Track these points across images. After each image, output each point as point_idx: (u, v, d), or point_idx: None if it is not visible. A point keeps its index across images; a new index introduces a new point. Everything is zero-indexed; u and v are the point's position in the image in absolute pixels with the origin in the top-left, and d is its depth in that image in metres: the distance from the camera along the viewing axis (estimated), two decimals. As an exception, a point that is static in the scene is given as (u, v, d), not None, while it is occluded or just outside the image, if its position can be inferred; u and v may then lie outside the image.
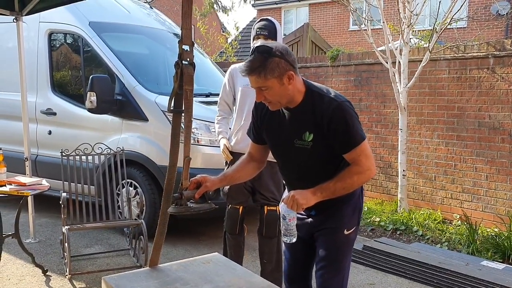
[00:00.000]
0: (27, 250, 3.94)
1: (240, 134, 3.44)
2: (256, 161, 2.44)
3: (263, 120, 2.30)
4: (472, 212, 5.44)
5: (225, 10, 13.11)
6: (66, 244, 3.80)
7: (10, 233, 3.83)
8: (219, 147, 3.56)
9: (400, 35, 5.74)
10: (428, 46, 5.56)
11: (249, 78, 2.06)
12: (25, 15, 4.45)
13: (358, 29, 7.46)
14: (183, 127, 2.18)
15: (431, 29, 5.92)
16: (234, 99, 3.55)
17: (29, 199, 4.56)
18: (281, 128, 2.21)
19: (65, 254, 3.86)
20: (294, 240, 2.13)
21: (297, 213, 2.31)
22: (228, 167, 3.48)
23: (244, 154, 3.45)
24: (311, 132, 2.11)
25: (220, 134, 3.57)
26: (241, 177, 2.46)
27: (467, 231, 4.88)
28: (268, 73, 2.00)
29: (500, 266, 4.18)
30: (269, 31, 3.38)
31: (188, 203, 2.14)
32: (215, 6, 12.37)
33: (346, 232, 2.25)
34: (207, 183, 2.19)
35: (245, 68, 2.04)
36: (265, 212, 3.43)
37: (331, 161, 2.15)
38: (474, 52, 5.44)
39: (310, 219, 2.31)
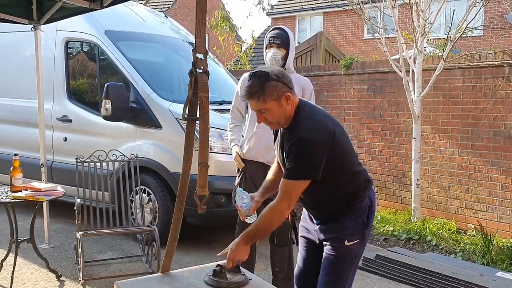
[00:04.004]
0: (42, 255, 3.99)
1: (252, 142, 3.45)
2: None
3: (274, 139, 2.43)
4: (487, 222, 5.36)
5: (232, 28, 13.25)
6: (80, 249, 3.84)
7: (25, 238, 3.87)
8: (232, 154, 3.58)
9: (414, 43, 5.73)
10: (442, 55, 5.53)
11: (249, 102, 2.18)
12: (43, 24, 4.54)
13: (373, 37, 7.45)
14: (197, 134, 2.20)
15: (446, 38, 5.89)
16: (247, 106, 3.57)
17: (44, 205, 4.62)
18: (280, 148, 2.30)
19: (79, 259, 3.90)
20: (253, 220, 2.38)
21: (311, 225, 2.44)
22: (240, 175, 3.50)
23: (256, 161, 3.49)
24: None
25: (233, 142, 3.58)
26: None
27: (482, 241, 4.81)
28: (267, 96, 2.11)
29: (516, 277, 4.12)
30: (282, 40, 3.40)
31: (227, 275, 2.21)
32: (227, 22, 12.55)
33: (347, 243, 2.25)
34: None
35: (244, 93, 2.16)
36: (277, 220, 3.42)
37: (318, 183, 2.16)
38: (489, 61, 5.40)
39: (317, 227, 2.37)
